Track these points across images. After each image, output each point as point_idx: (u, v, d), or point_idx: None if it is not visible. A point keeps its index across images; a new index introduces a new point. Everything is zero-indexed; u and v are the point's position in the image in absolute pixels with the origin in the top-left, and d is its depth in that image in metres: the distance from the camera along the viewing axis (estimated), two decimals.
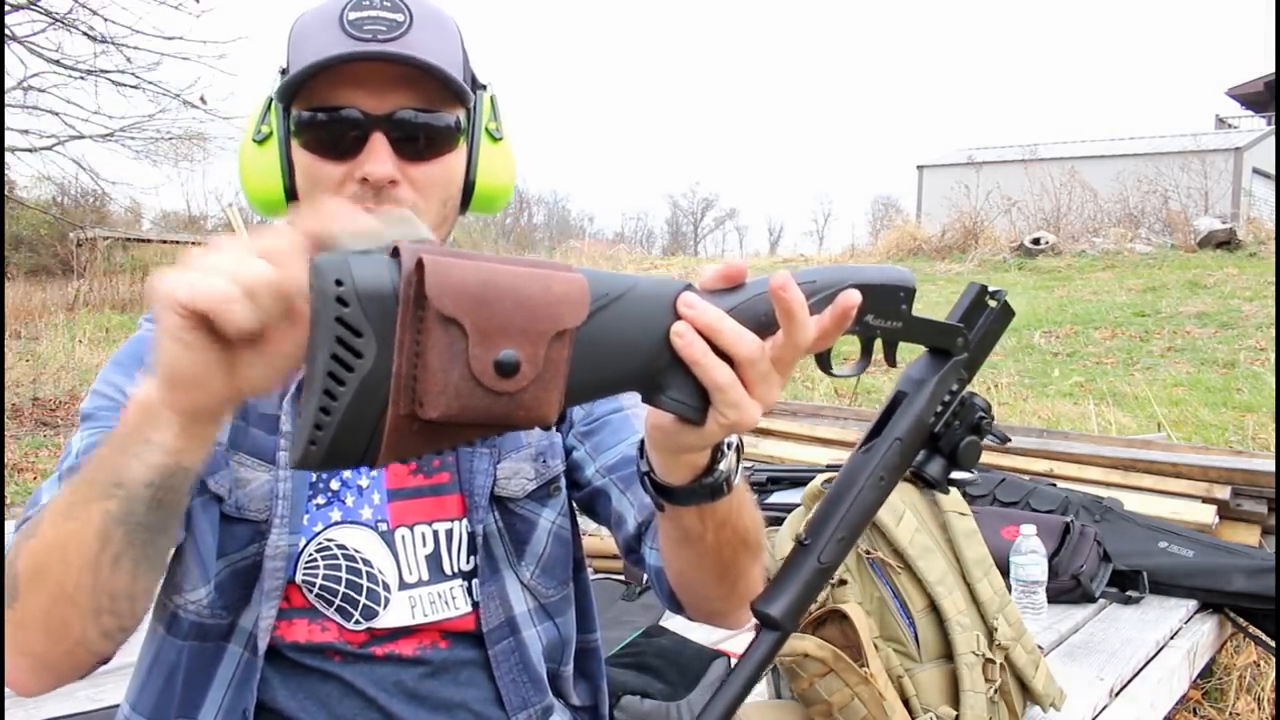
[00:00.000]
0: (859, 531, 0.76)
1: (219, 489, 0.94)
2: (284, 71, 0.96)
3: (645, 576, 1.02)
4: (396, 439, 0.56)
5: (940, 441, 0.78)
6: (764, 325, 0.66)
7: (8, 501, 4.81)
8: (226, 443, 0.96)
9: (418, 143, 0.92)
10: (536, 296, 0.57)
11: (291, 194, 0.97)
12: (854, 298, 0.67)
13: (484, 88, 1.02)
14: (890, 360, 0.74)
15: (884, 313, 0.71)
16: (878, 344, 0.74)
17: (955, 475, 0.79)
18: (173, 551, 0.89)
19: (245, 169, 0.98)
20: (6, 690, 0.78)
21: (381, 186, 0.91)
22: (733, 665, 0.76)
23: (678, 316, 0.64)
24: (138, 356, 0.96)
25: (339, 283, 0.53)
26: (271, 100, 0.96)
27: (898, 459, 0.76)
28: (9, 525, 0.88)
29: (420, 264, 0.54)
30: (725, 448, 0.76)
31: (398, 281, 0.54)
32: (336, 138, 0.92)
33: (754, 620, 0.77)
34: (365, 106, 0.90)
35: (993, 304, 0.78)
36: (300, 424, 0.56)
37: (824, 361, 0.72)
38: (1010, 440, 0.83)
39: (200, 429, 0.68)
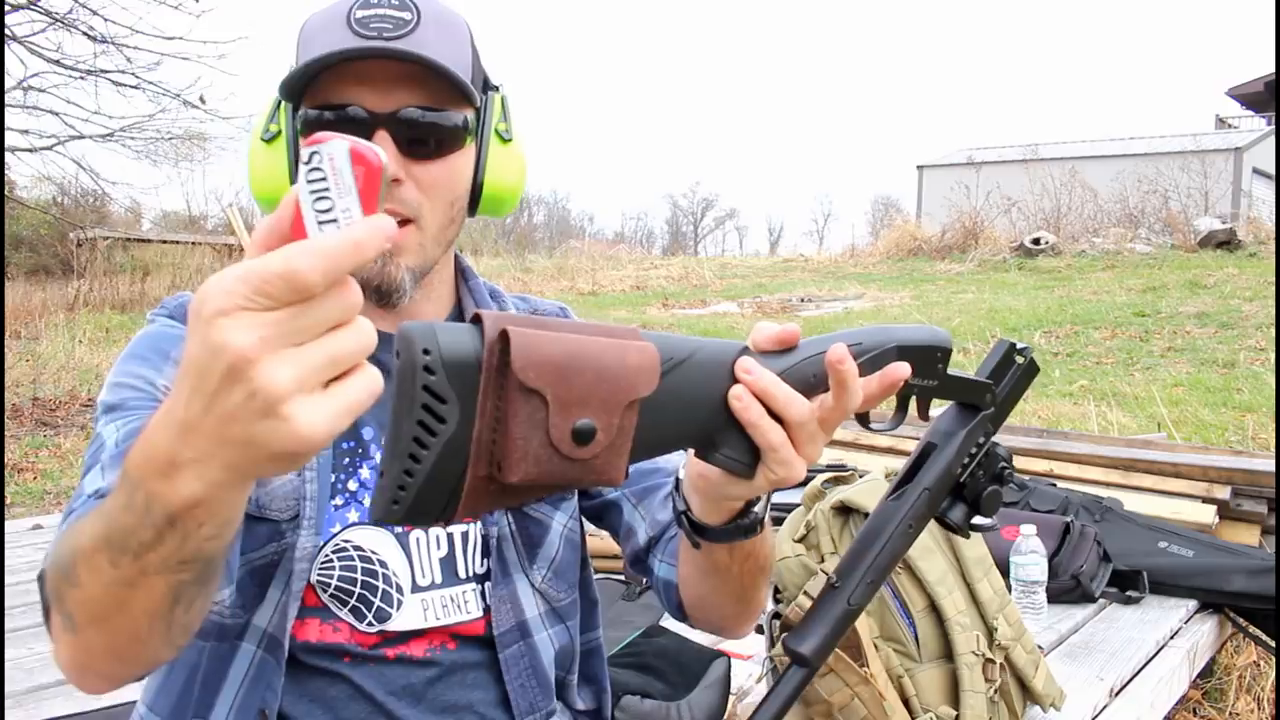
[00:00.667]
0: (886, 575, 0.81)
1: None
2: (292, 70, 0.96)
3: (646, 580, 1.04)
4: (474, 499, 0.58)
5: (965, 490, 0.82)
6: (812, 386, 0.71)
7: (8, 501, 4.81)
8: None
9: (423, 142, 0.92)
10: (613, 368, 0.60)
11: None
12: (903, 370, 0.72)
13: (496, 89, 1.01)
14: (924, 415, 0.79)
15: (922, 373, 0.76)
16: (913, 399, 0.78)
17: (976, 521, 0.83)
18: None
19: (253, 168, 0.98)
20: (7, 690, 0.78)
21: None
22: (764, 698, 0.79)
23: (735, 380, 0.68)
24: (158, 350, 0.92)
25: (426, 351, 0.55)
26: (281, 100, 0.96)
27: (925, 508, 0.81)
28: (8, 524, 0.88)
29: (505, 335, 0.56)
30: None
31: (480, 350, 0.56)
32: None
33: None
34: (370, 104, 0.90)
35: (1020, 360, 0.83)
36: (382, 483, 0.57)
37: (864, 419, 0.77)
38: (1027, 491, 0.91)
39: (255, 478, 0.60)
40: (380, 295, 0.94)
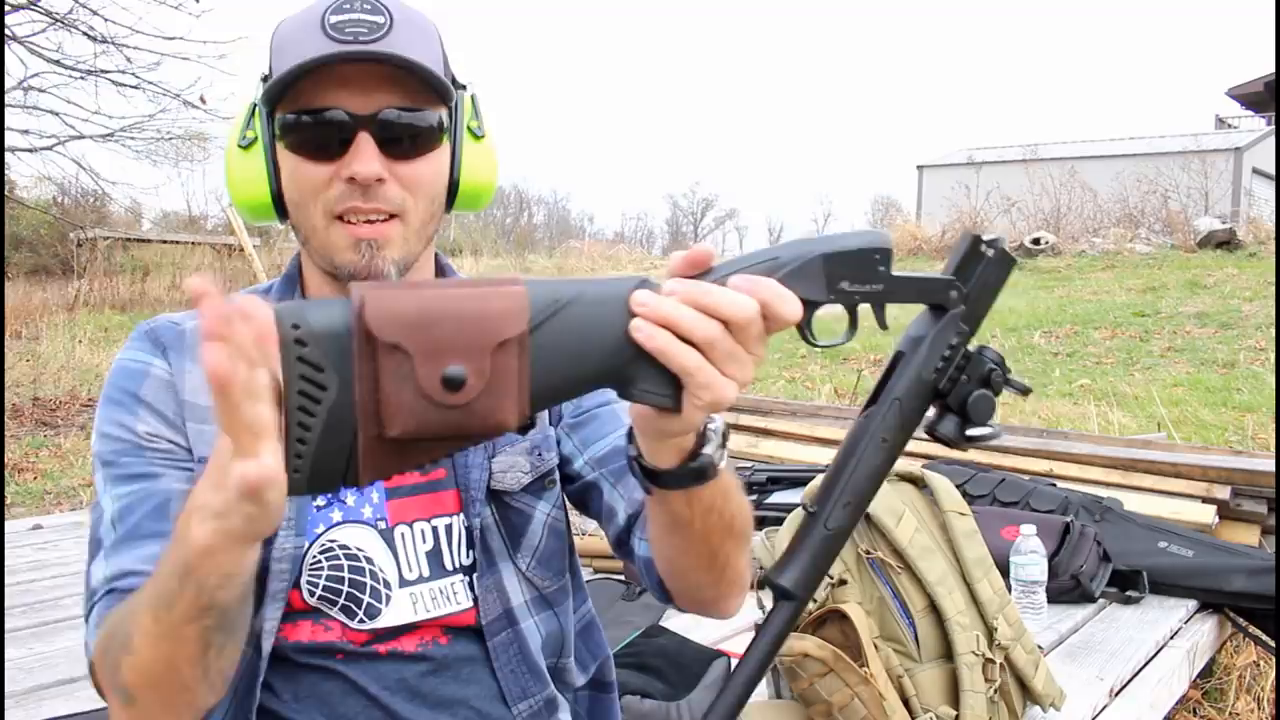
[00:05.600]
0: (866, 496, 0.76)
1: None
2: (266, 78, 0.96)
3: (629, 562, 1.04)
4: (372, 459, 0.61)
5: (949, 398, 0.76)
6: None
7: (8, 501, 4.81)
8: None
9: (403, 141, 0.93)
10: (473, 313, 0.62)
11: (278, 198, 0.97)
12: (787, 309, 0.68)
13: (464, 88, 1.02)
14: (881, 323, 0.73)
15: (861, 277, 0.71)
16: (868, 311, 0.73)
17: (974, 432, 0.76)
18: None
19: (232, 175, 0.99)
20: (7, 690, 0.79)
21: (369, 185, 0.91)
22: (753, 639, 0.76)
23: (634, 315, 0.67)
24: (126, 391, 0.97)
25: (295, 326, 0.59)
26: (255, 106, 0.97)
27: (898, 419, 0.75)
28: (8, 524, 0.90)
29: (362, 299, 0.60)
30: (711, 432, 0.78)
31: (350, 319, 0.60)
32: (322, 139, 0.92)
33: (752, 602, 0.78)
34: (350, 107, 0.91)
35: (989, 252, 0.76)
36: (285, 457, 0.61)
37: (805, 334, 0.72)
38: (1030, 390, 0.81)
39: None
40: None
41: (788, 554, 0.76)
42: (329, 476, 0.61)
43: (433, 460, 0.65)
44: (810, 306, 0.71)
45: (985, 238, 0.76)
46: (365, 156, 0.90)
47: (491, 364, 0.61)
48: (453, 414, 0.61)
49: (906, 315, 0.76)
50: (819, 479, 0.78)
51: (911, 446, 0.81)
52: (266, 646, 0.95)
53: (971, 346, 0.76)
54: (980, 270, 0.76)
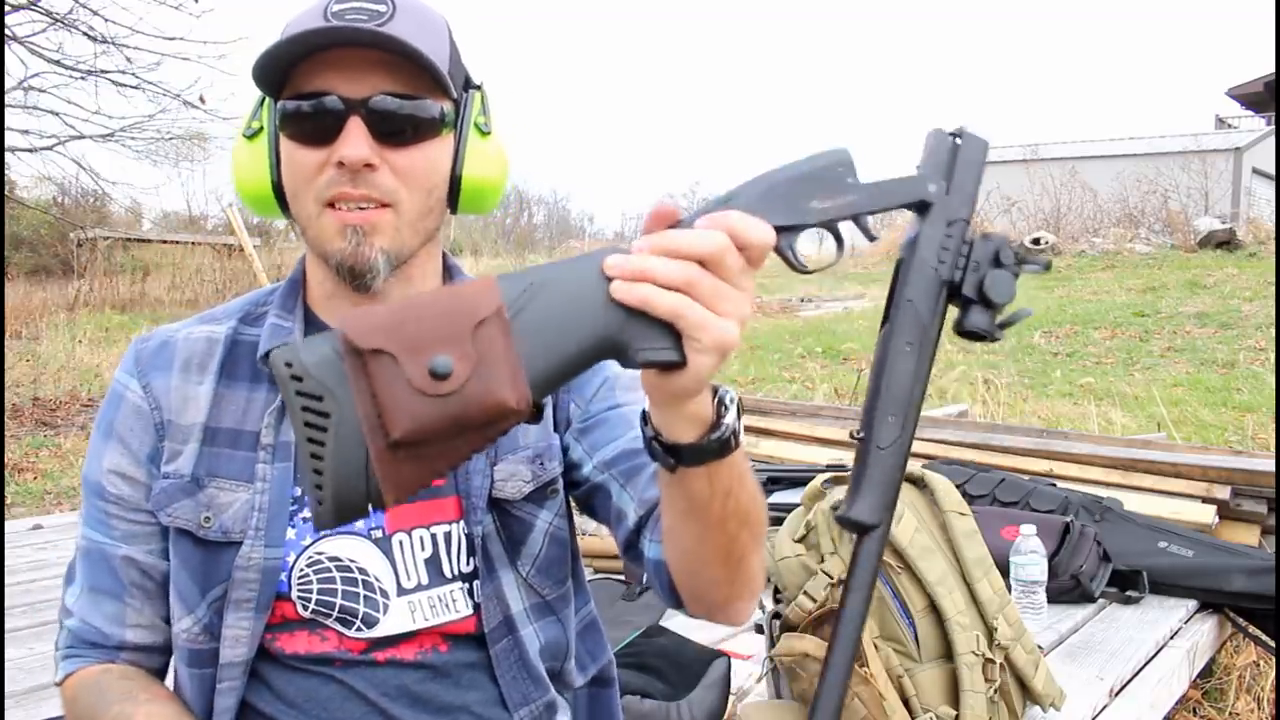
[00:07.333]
0: (910, 405, 0.73)
1: (186, 524, 0.97)
2: None
3: (644, 574, 1.01)
4: (388, 471, 0.62)
5: (964, 288, 0.73)
6: None
7: (8, 501, 4.81)
8: (189, 474, 0.98)
9: (398, 129, 0.92)
10: (445, 304, 0.64)
11: (278, 187, 0.96)
12: (759, 235, 0.67)
13: (477, 87, 1.01)
14: (867, 235, 0.73)
15: (829, 193, 0.70)
16: (850, 230, 0.72)
17: (1004, 317, 0.74)
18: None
19: (236, 164, 0.99)
20: (7, 690, 0.80)
21: (358, 170, 0.90)
22: (842, 581, 0.74)
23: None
24: (107, 421, 1.02)
25: (289, 364, 0.62)
26: (265, 97, 0.96)
27: (916, 319, 0.73)
28: (9, 525, 0.92)
29: (342, 321, 0.63)
30: (727, 401, 0.76)
31: (338, 345, 0.62)
32: (316, 124, 0.91)
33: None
34: (342, 91, 0.90)
35: (957, 140, 0.75)
36: (309, 494, 0.63)
37: (790, 261, 0.71)
38: (1050, 266, 0.78)
39: None
40: (354, 276, 0.93)
41: (852, 488, 0.73)
42: (353, 501, 0.62)
43: (451, 466, 0.65)
44: (786, 233, 0.69)
45: (950, 130, 0.75)
46: (354, 140, 0.89)
47: (475, 346, 0.62)
48: (449, 403, 0.61)
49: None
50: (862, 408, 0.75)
51: (913, 447, 0.80)
52: (229, 655, 0.96)
53: (975, 236, 0.74)
54: (955, 158, 0.74)
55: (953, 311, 0.74)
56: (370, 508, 0.63)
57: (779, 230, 0.69)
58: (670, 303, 0.65)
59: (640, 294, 0.65)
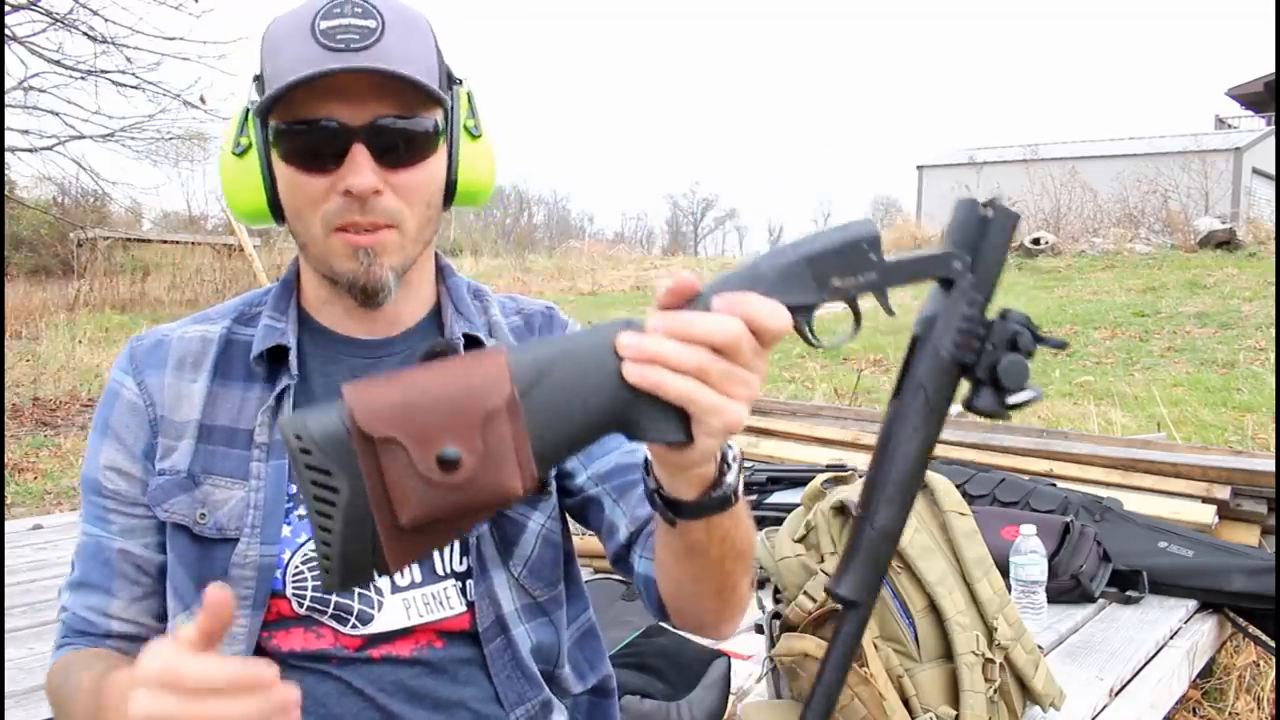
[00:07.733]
0: (910, 487, 0.73)
1: (182, 519, 0.98)
2: (258, 78, 0.96)
3: (627, 579, 1.03)
4: (397, 547, 0.63)
5: (977, 371, 0.72)
6: None
7: (8, 501, 4.81)
8: (185, 470, 0.98)
9: (398, 150, 0.92)
10: (456, 391, 0.63)
11: (275, 206, 0.97)
12: (775, 321, 0.67)
13: (459, 83, 1.01)
14: (887, 310, 0.71)
15: (851, 270, 0.69)
16: (869, 304, 0.71)
17: (1013, 400, 0.72)
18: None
19: (227, 182, 0.99)
20: (7, 690, 0.80)
21: (365, 198, 0.91)
22: (825, 653, 0.75)
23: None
24: (103, 419, 1.03)
25: (298, 437, 0.62)
26: (248, 111, 0.96)
27: (925, 404, 0.72)
28: (8, 524, 0.93)
29: (350, 404, 0.62)
30: (730, 460, 0.78)
31: (345, 419, 0.62)
32: (317, 150, 0.91)
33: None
34: (344, 118, 0.90)
35: (988, 214, 0.73)
36: (317, 558, 0.65)
37: (806, 337, 0.71)
38: (1067, 345, 0.77)
39: None
40: (366, 295, 0.96)
41: (843, 561, 0.74)
42: (360, 569, 0.63)
43: (455, 538, 0.66)
44: (804, 311, 0.69)
45: (981, 200, 0.73)
46: (361, 169, 0.90)
47: (484, 437, 0.62)
48: (457, 493, 0.62)
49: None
50: (861, 482, 0.77)
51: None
52: (226, 653, 0.95)
53: (993, 314, 0.73)
54: (983, 233, 0.73)
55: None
56: (375, 575, 0.64)
57: (797, 309, 0.69)
58: (682, 388, 0.65)
59: (653, 379, 0.65)
